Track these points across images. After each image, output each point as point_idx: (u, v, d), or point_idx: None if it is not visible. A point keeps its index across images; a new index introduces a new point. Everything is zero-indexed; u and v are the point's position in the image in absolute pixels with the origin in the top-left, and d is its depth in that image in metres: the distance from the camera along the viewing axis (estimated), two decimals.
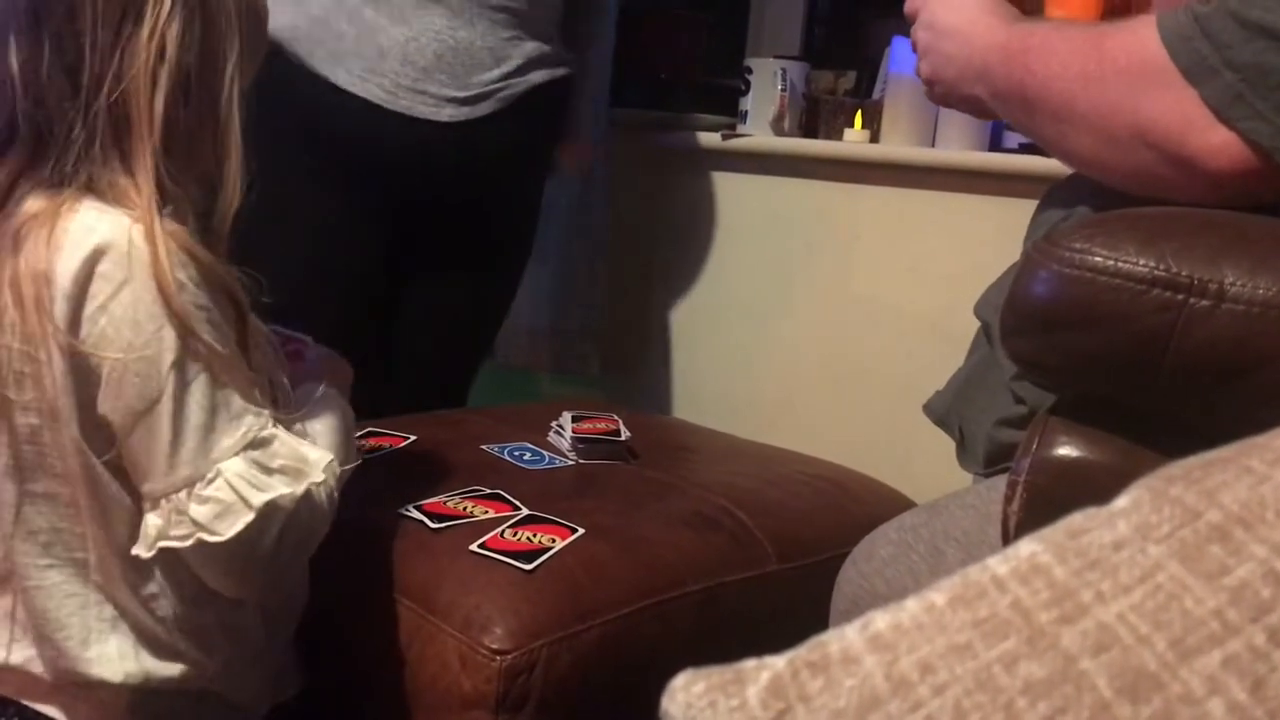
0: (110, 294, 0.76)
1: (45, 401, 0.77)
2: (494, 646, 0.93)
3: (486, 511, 1.10)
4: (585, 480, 1.25)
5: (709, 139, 1.87)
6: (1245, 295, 0.59)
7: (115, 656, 0.83)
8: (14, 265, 0.76)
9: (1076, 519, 0.38)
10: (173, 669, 0.85)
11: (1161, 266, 0.61)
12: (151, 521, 0.80)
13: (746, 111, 1.83)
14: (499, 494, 1.14)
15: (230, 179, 0.84)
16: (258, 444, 0.81)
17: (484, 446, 1.30)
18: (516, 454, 1.29)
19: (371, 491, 1.15)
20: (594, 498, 1.18)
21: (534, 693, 0.93)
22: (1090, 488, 0.46)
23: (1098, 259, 0.63)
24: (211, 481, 0.79)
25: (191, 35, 0.80)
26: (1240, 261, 0.60)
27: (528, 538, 1.05)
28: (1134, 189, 0.76)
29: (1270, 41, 0.67)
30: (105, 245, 0.76)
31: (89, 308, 0.76)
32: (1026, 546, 0.38)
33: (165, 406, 0.77)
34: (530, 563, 1.00)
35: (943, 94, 0.95)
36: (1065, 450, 0.67)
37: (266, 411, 0.83)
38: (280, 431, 0.83)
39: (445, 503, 1.12)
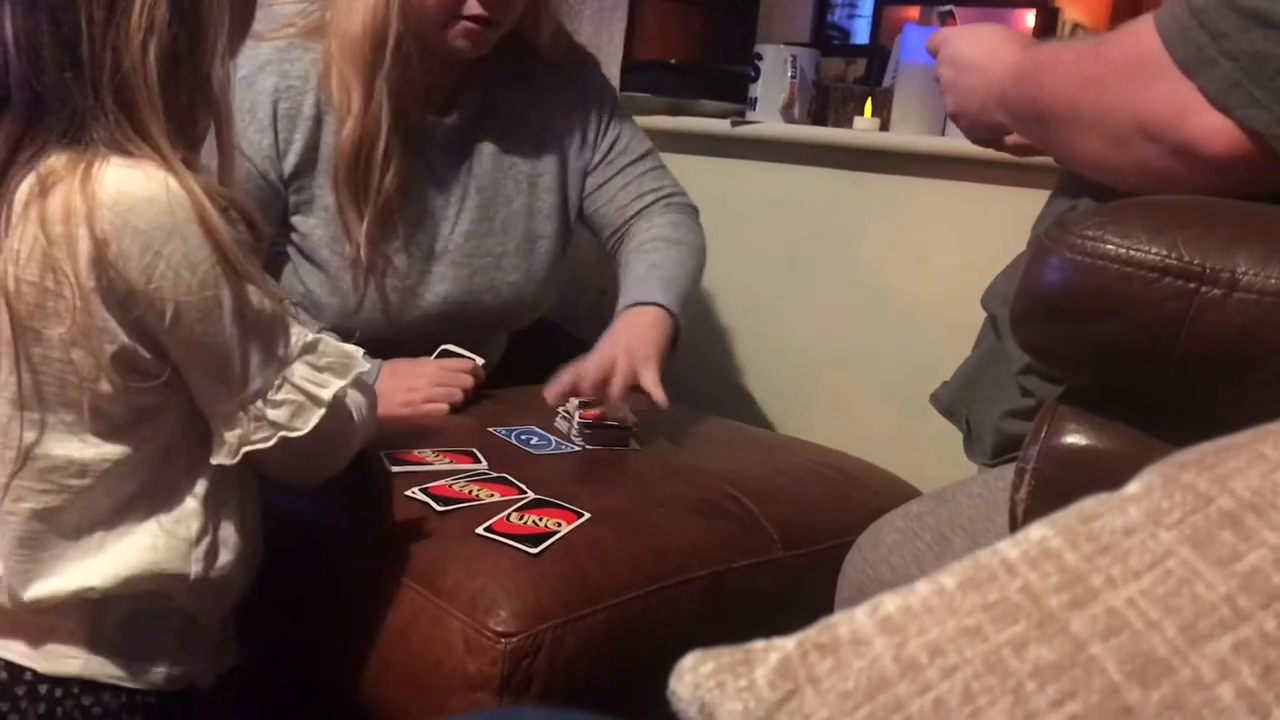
0: (163, 240, 0.81)
1: (73, 334, 0.81)
2: (499, 629, 0.94)
3: (492, 495, 1.11)
4: (591, 465, 1.25)
5: (718, 125, 1.87)
6: (1257, 285, 0.59)
7: (98, 564, 0.87)
8: (41, 208, 0.80)
9: (1088, 504, 0.38)
10: (155, 565, 0.88)
11: (1174, 255, 0.61)
12: (230, 433, 0.88)
13: (756, 98, 1.83)
14: (505, 478, 1.15)
15: (227, 145, 0.91)
16: (308, 348, 0.91)
17: (491, 430, 1.30)
18: (523, 438, 1.29)
19: (377, 474, 1.15)
20: (600, 483, 1.18)
21: (538, 676, 0.94)
22: (1099, 476, 0.46)
23: (1110, 247, 0.63)
24: (280, 387, 0.89)
25: (180, 9, 0.84)
26: (1253, 251, 0.60)
27: (534, 521, 1.05)
28: (1142, 188, 0.76)
29: (1268, 30, 0.67)
30: (146, 195, 0.81)
31: (144, 256, 0.81)
32: (1037, 531, 0.38)
33: (232, 335, 0.85)
34: (536, 546, 1.00)
35: (969, 125, 0.99)
36: (1074, 438, 0.67)
37: (297, 319, 0.91)
38: (320, 334, 0.92)
39: (451, 486, 1.12)
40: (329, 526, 1.11)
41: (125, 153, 0.82)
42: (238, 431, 0.88)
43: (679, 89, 1.98)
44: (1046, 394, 0.82)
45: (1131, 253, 0.62)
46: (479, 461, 1.19)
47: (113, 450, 0.86)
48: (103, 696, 0.88)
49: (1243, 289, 0.59)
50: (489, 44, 1.36)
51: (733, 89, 1.93)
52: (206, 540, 0.91)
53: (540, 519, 1.06)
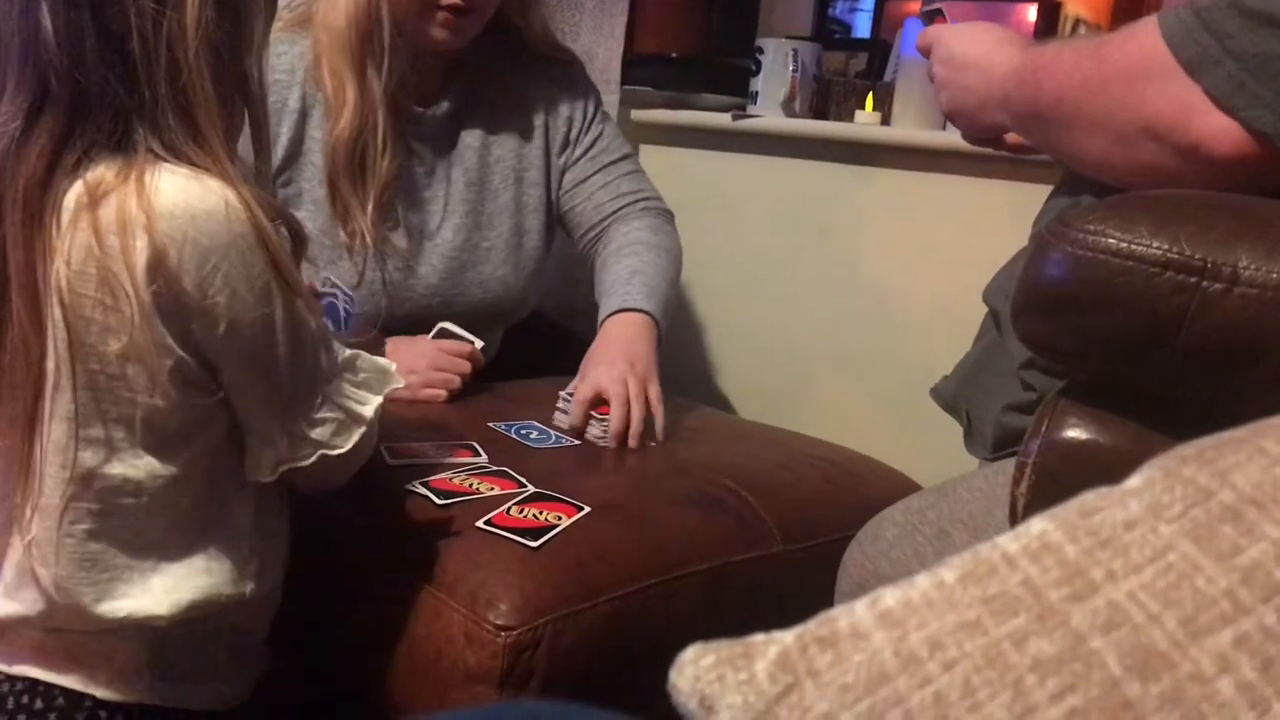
0: (221, 255, 0.79)
1: (129, 349, 0.79)
2: (499, 622, 0.94)
3: (493, 488, 1.11)
4: (591, 459, 1.25)
5: (719, 119, 1.86)
6: (1259, 279, 0.59)
7: (157, 591, 0.85)
8: (93, 218, 0.77)
9: (1088, 498, 0.38)
10: (214, 589, 0.87)
11: (1175, 249, 0.61)
12: (269, 450, 0.87)
13: (757, 92, 1.82)
14: (505, 471, 1.15)
15: (265, 143, 0.90)
16: (347, 364, 0.90)
17: (491, 424, 1.30)
18: (523, 432, 1.29)
19: (378, 468, 1.15)
20: (600, 476, 1.18)
21: (538, 669, 0.94)
22: (1099, 470, 0.46)
23: (1112, 241, 0.62)
24: (322, 405, 0.88)
25: (228, 5, 0.82)
26: (1255, 245, 0.60)
27: (534, 515, 1.05)
28: (1146, 188, 0.76)
29: (1273, 29, 0.67)
30: (206, 208, 0.78)
31: (202, 270, 0.78)
32: (1038, 525, 0.38)
33: (283, 351, 0.84)
34: (536, 540, 1.00)
35: (965, 124, 0.99)
36: (1075, 433, 0.67)
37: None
38: (356, 350, 0.92)
39: (451, 479, 1.12)
40: (329, 520, 1.11)
41: (180, 157, 0.79)
42: (277, 448, 0.87)
43: (680, 82, 1.98)
44: (1047, 388, 0.82)
45: (1133, 247, 0.62)
46: (479, 455, 1.19)
47: (165, 468, 0.84)
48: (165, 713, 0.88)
49: (1244, 284, 0.59)
50: (468, 34, 1.38)
51: (734, 83, 1.93)
52: (257, 559, 0.90)
53: (540, 512, 1.06)
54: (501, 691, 0.93)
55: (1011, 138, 1.01)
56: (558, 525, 1.03)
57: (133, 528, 0.84)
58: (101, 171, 0.78)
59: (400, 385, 0.95)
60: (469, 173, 1.46)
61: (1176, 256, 0.61)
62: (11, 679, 0.86)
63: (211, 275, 0.79)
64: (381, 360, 0.94)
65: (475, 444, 1.22)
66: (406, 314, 1.43)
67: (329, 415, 0.88)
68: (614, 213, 1.53)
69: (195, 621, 0.87)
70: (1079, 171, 0.87)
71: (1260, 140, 0.69)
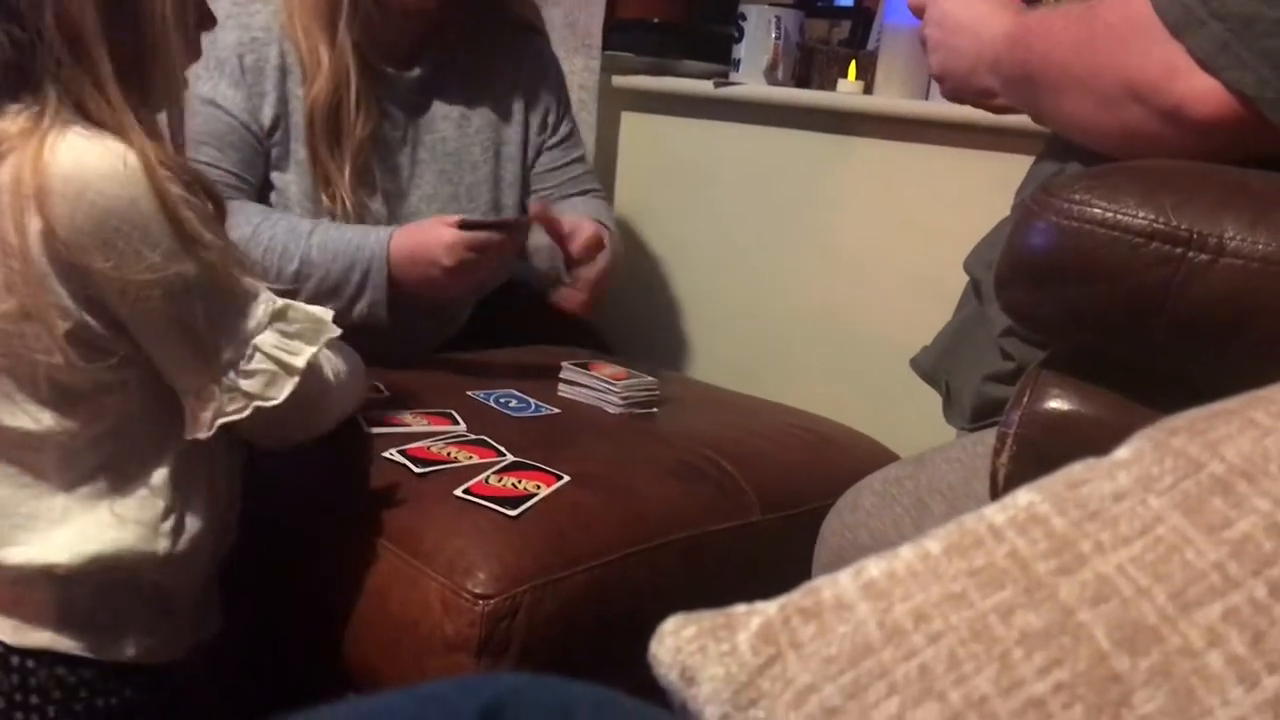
0: (120, 217, 0.79)
1: (23, 309, 0.79)
2: (477, 591, 0.93)
3: (471, 457, 1.10)
4: (571, 428, 1.24)
5: (700, 86, 1.85)
6: (1245, 250, 0.59)
7: (59, 540, 0.85)
8: None
9: (1076, 469, 0.37)
10: (121, 544, 0.87)
11: (1161, 219, 0.60)
12: (203, 406, 0.87)
13: (739, 59, 1.81)
14: (484, 440, 1.14)
15: (176, 101, 0.89)
16: (278, 315, 0.89)
17: (470, 392, 1.29)
18: (502, 400, 1.28)
19: (356, 436, 1.14)
20: (579, 446, 1.18)
21: (516, 637, 0.93)
22: (1081, 441, 0.46)
23: (1097, 211, 0.62)
24: (251, 357, 0.87)
25: None
26: (1240, 216, 0.60)
27: (513, 484, 1.05)
28: (1130, 152, 0.75)
29: None
30: (102, 170, 0.78)
31: (100, 233, 0.78)
32: (1025, 496, 0.37)
33: (197, 309, 0.84)
34: (515, 509, 1.00)
35: (954, 88, 0.99)
36: (1056, 403, 0.67)
37: (264, 286, 0.90)
38: (289, 300, 0.91)
39: (430, 447, 1.11)
40: (307, 489, 1.10)
41: (83, 112, 0.79)
42: (212, 404, 0.87)
43: (662, 49, 1.96)
44: (1027, 358, 0.81)
45: (1118, 217, 0.61)
46: (457, 424, 1.19)
47: (69, 424, 0.84)
48: (77, 667, 0.87)
49: (1230, 254, 0.59)
50: None
51: (716, 49, 1.91)
52: (173, 517, 0.90)
53: (519, 481, 1.05)
54: (479, 660, 0.93)
55: (999, 100, 1.00)
56: (536, 494, 1.03)
57: (35, 478, 0.85)
58: (6, 125, 0.79)
59: (337, 334, 0.93)
60: (446, 142, 1.45)
61: (1162, 227, 0.60)
62: None
63: (113, 237, 0.79)
64: (316, 310, 0.93)
65: (454, 412, 1.21)
66: None
67: (259, 367, 0.88)
68: (576, 194, 1.58)
69: (105, 573, 0.87)
70: (1067, 137, 0.86)
71: (1242, 103, 0.68)
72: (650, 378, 1.35)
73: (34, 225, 0.77)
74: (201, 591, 0.97)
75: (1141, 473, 0.35)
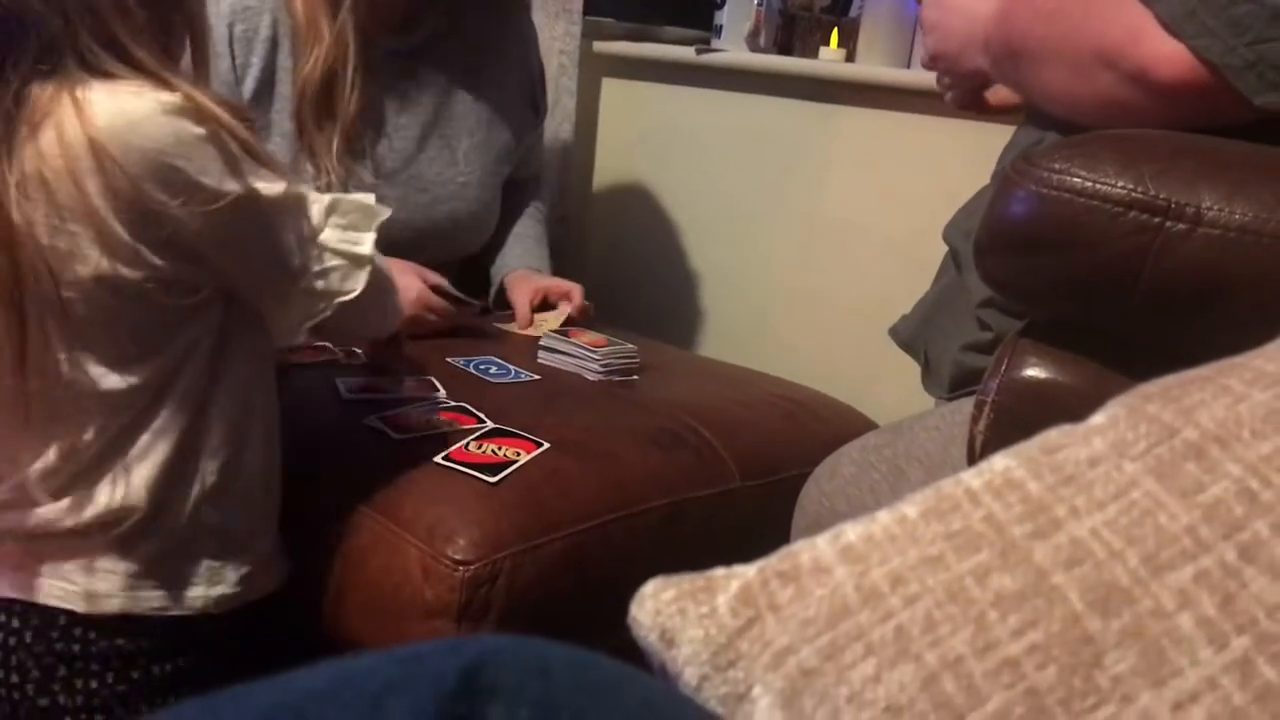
0: (173, 152, 0.79)
1: (98, 271, 0.80)
2: (457, 557, 0.94)
3: (451, 424, 1.10)
4: (551, 395, 1.24)
5: (682, 53, 1.84)
6: (1222, 220, 0.59)
7: (138, 483, 0.87)
8: (35, 147, 0.77)
9: (1052, 435, 0.37)
10: (186, 488, 0.89)
11: (1140, 189, 0.61)
12: (289, 313, 0.91)
13: (721, 26, 1.80)
14: (464, 407, 1.14)
15: (202, 54, 0.91)
16: (331, 209, 0.91)
17: (450, 359, 1.29)
18: (482, 367, 1.28)
19: (335, 402, 1.14)
20: (559, 413, 1.18)
21: (496, 603, 0.94)
22: (1059, 410, 0.46)
23: (1076, 180, 0.62)
24: (320, 257, 0.90)
25: None
26: (1218, 186, 0.60)
27: (493, 451, 1.05)
28: (1103, 121, 0.76)
29: None
30: (143, 112, 0.78)
31: (159, 172, 0.79)
32: (1001, 461, 0.38)
33: (263, 223, 0.86)
34: (495, 475, 1.00)
35: (946, 68, 0.99)
36: (1034, 372, 0.68)
37: (306, 185, 0.93)
38: (333, 194, 0.93)
39: (410, 414, 1.11)
40: (286, 454, 1.10)
41: (107, 76, 0.79)
42: (297, 310, 0.91)
43: (643, 14, 1.95)
44: (1005, 328, 0.82)
45: (1097, 186, 0.62)
46: (438, 390, 1.18)
47: (152, 372, 0.86)
48: (136, 637, 0.88)
49: (1207, 224, 0.59)
50: None
51: (698, 15, 1.90)
52: (230, 449, 0.91)
53: (499, 448, 1.05)
54: (459, 626, 0.93)
55: (996, 98, 1.01)
56: (516, 461, 1.03)
57: (120, 428, 0.86)
58: (35, 97, 0.78)
59: (386, 214, 0.95)
60: (443, 107, 1.45)
61: (1140, 196, 0.61)
62: None
63: (169, 174, 0.79)
64: (358, 196, 0.95)
65: (434, 379, 1.21)
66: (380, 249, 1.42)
67: (331, 264, 0.91)
68: (530, 177, 1.65)
69: (170, 518, 0.88)
70: (1044, 108, 0.87)
71: (1207, 69, 0.69)
72: (630, 345, 1.36)
73: (92, 183, 0.77)
74: (265, 536, 0.97)
75: (1116, 438, 0.36)
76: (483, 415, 1.12)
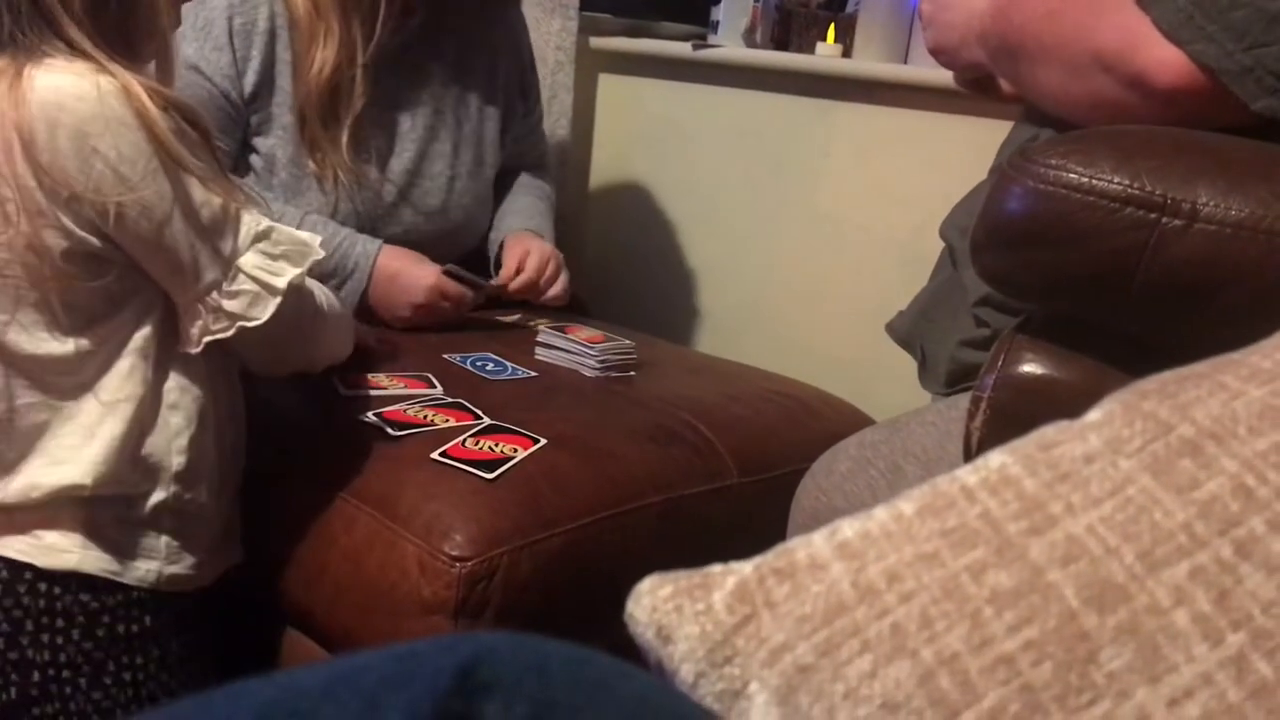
0: (97, 136, 0.82)
1: (22, 237, 0.82)
2: (454, 554, 0.94)
3: (448, 420, 1.10)
4: (548, 392, 1.24)
5: (679, 49, 1.84)
6: (1218, 216, 0.59)
7: (86, 459, 0.89)
8: None
9: (1048, 431, 0.38)
10: (139, 460, 0.91)
11: (1136, 185, 0.61)
12: (192, 323, 0.91)
13: (718, 21, 1.80)
14: (461, 403, 1.14)
15: (163, 54, 0.93)
16: (260, 237, 0.91)
17: (447, 355, 1.29)
18: (479, 364, 1.28)
19: (332, 399, 1.14)
20: (556, 409, 1.18)
21: (493, 600, 0.94)
22: (1055, 406, 0.46)
23: (1073, 176, 0.62)
24: (235, 278, 0.90)
25: None
26: (1214, 182, 0.60)
27: (489, 447, 1.05)
28: (1098, 121, 0.76)
29: None
30: (75, 92, 0.81)
31: (80, 155, 0.81)
32: (997, 458, 0.38)
33: (178, 229, 0.86)
34: (492, 472, 1.00)
35: (948, 61, 1.00)
36: (1031, 368, 0.68)
37: (254, 209, 0.93)
38: (274, 223, 0.93)
39: (406, 411, 1.11)
40: (284, 451, 1.10)
41: (49, 56, 0.82)
42: (199, 322, 0.90)
43: (640, 9, 1.94)
44: (1002, 324, 0.82)
45: (1094, 182, 0.62)
46: (434, 386, 1.18)
47: (89, 343, 0.87)
48: (100, 594, 0.90)
49: (1203, 220, 0.59)
50: None
51: (694, 11, 1.90)
52: (187, 433, 0.93)
53: (496, 444, 1.05)
54: (456, 622, 0.93)
55: (1006, 85, 1.01)
56: (513, 457, 1.03)
57: (65, 401, 0.88)
58: None
59: (320, 256, 0.96)
60: (438, 100, 1.45)
61: (1137, 192, 0.61)
62: None
63: (91, 159, 0.81)
64: (301, 234, 0.95)
65: (431, 375, 1.21)
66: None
67: (242, 288, 0.90)
68: (533, 166, 1.63)
69: (122, 493, 0.90)
70: (1041, 106, 0.87)
71: (1204, 74, 0.69)
72: (627, 341, 1.36)
73: (20, 154, 0.80)
74: (220, 517, 0.99)
75: (1112, 435, 0.36)
76: (480, 411, 1.12)
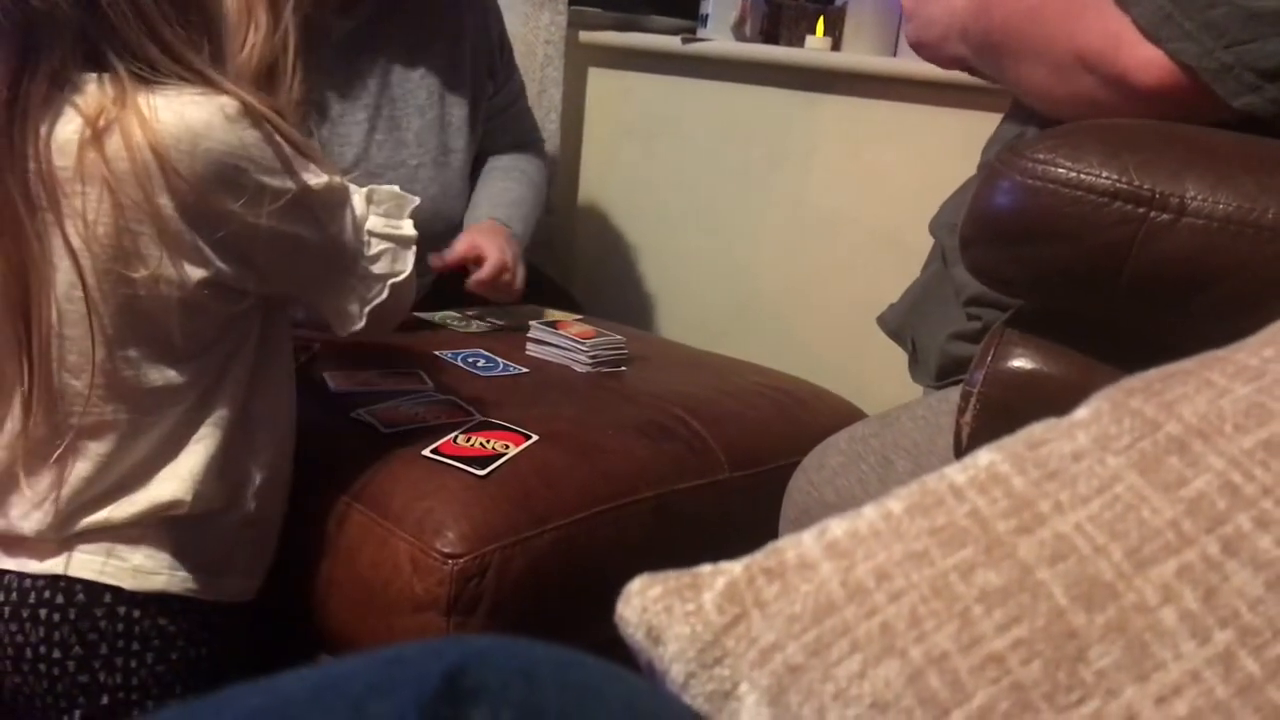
0: (239, 155, 0.82)
1: (156, 273, 0.82)
2: (446, 550, 0.94)
3: (439, 417, 1.10)
4: (539, 388, 1.24)
5: (668, 43, 1.83)
6: (1206, 210, 0.59)
7: (185, 476, 0.88)
8: (100, 152, 0.79)
9: (1036, 429, 0.37)
10: (230, 484, 0.91)
11: (1124, 179, 0.61)
12: (349, 302, 0.94)
13: (707, 15, 1.79)
14: (452, 400, 1.14)
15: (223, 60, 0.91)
16: (369, 199, 0.95)
17: (438, 352, 1.28)
18: (470, 360, 1.28)
19: (323, 396, 1.14)
20: (548, 405, 1.18)
21: (486, 596, 0.94)
22: (1044, 400, 0.46)
23: (1061, 170, 0.62)
24: (369, 243, 0.94)
25: None
26: (1203, 176, 0.60)
27: (481, 443, 1.04)
28: (1082, 119, 0.76)
29: None
30: (205, 117, 0.81)
31: (225, 174, 0.81)
32: (985, 456, 0.38)
33: (319, 216, 0.89)
34: (484, 468, 1.00)
35: (930, 56, 1.00)
36: (1020, 362, 0.68)
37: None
38: (371, 186, 0.96)
39: (398, 408, 1.11)
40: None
41: (162, 75, 0.81)
42: (355, 296, 0.94)
43: (629, 3, 1.94)
44: (994, 320, 0.82)
45: (1082, 176, 0.62)
46: (425, 383, 1.18)
47: (199, 371, 0.88)
48: (178, 618, 0.90)
49: (1191, 214, 0.59)
50: None
51: (684, 5, 1.90)
52: (272, 449, 0.94)
53: (488, 441, 1.05)
54: (449, 619, 0.93)
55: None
56: (505, 454, 1.03)
57: (171, 427, 0.88)
58: (91, 99, 0.80)
59: (416, 202, 0.99)
60: (390, 88, 1.42)
61: (1125, 187, 0.61)
62: (34, 577, 0.87)
63: (237, 176, 0.82)
64: (388, 187, 0.98)
65: (422, 372, 1.21)
66: None
67: (381, 249, 0.94)
68: (513, 146, 1.60)
69: (214, 512, 0.90)
70: (1026, 103, 0.87)
71: (1184, 72, 0.69)
72: (618, 336, 1.36)
73: (159, 185, 0.79)
74: (279, 522, 1.00)
75: (1099, 433, 0.36)
76: (471, 408, 1.12)
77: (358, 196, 0.93)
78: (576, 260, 2.01)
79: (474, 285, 1.36)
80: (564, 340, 1.33)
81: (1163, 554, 0.32)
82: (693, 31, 1.83)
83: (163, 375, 0.86)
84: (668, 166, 1.90)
